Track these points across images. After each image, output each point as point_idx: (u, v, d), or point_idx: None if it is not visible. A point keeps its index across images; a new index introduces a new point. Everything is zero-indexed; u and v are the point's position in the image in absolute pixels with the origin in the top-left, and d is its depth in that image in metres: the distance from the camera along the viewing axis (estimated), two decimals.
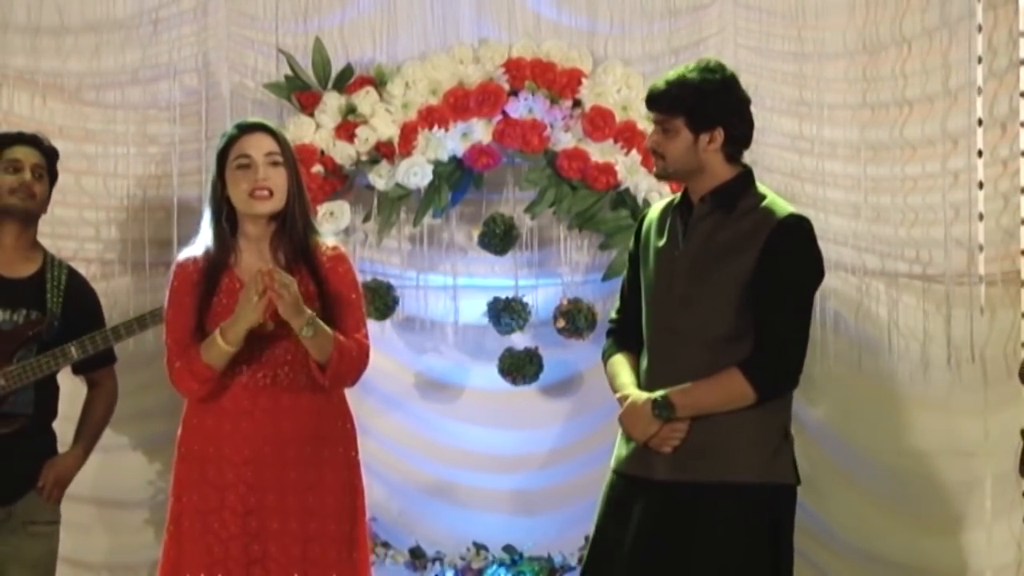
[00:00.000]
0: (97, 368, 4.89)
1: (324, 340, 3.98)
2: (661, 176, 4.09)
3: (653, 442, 3.89)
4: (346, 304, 4.11)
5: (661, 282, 3.96)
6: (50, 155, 4.91)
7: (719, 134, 3.94)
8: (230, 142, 4.06)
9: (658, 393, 3.90)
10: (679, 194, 4.09)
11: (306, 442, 4.02)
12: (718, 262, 3.90)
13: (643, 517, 3.90)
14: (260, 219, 4.05)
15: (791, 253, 3.90)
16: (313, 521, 3.99)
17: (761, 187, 4.05)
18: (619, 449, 4.08)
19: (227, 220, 4.07)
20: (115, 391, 4.95)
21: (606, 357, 4.17)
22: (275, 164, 4.03)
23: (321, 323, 3.98)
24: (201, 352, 3.98)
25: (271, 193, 4.02)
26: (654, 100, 3.99)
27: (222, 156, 4.06)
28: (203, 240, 4.11)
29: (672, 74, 3.99)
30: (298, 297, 3.91)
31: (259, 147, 4.04)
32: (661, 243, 4.01)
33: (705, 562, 3.86)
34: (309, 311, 3.94)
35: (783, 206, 3.98)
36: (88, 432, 4.87)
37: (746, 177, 4.00)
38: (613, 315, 4.22)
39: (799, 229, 3.92)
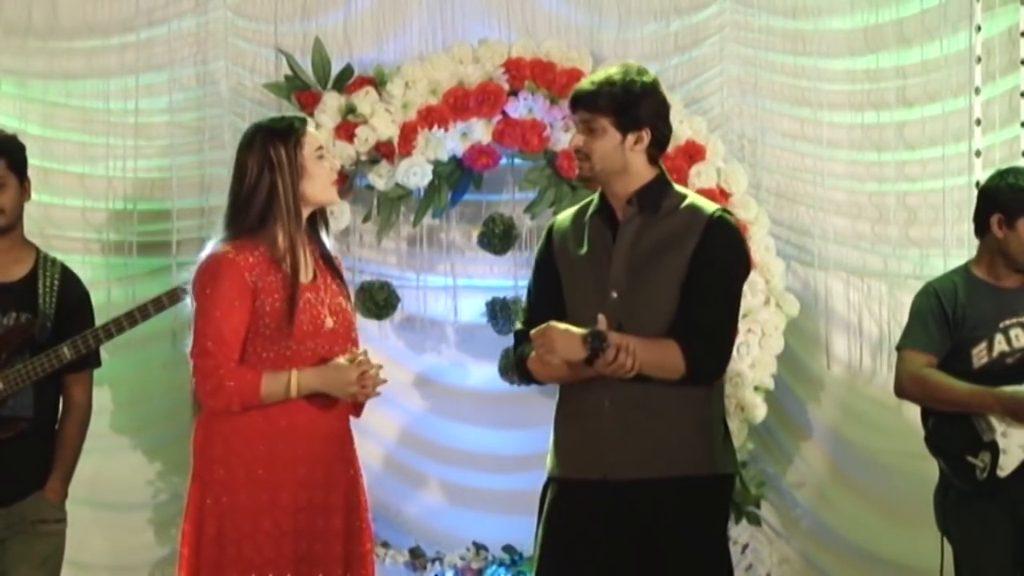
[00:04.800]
0: (75, 371, 4.79)
1: None
2: (584, 178, 4.03)
3: (612, 366, 3.79)
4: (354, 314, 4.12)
5: (593, 287, 3.95)
6: (8, 151, 4.76)
7: (646, 135, 3.97)
8: (302, 133, 3.93)
9: None
10: (591, 201, 4.09)
11: (344, 439, 3.99)
12: (652, 261, 3.93)
13: (605, 519, 3.89)
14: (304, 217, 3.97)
15: (724, 247, 3.95)
16: (352, 517, 3.96)
17: (678, 186, 4.10)
18: (556, 455, 4.06)
19: (266, 218, 3.93)
20: (87, 406, 4.86)
21: (525, 355, 4.04)
22: None
23: None
24: (263, 388, 3.85)
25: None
26: (581, 100, 3.96)
27: (296, 147, 3.91)
28: (240, 237, 3.90)
29: (598, 76, 3.99)
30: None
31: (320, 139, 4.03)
32: (583, 250, 4.01)
33: (677, 555, 3.86)
34: None
35: (708, 203, 4.05)
36: (63, 460, 4.79)
37: (664, 177, 4.06)
38: (519, 325, 4.13)
39: (730, 225, 3.99)
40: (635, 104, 3.94)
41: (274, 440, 3.89)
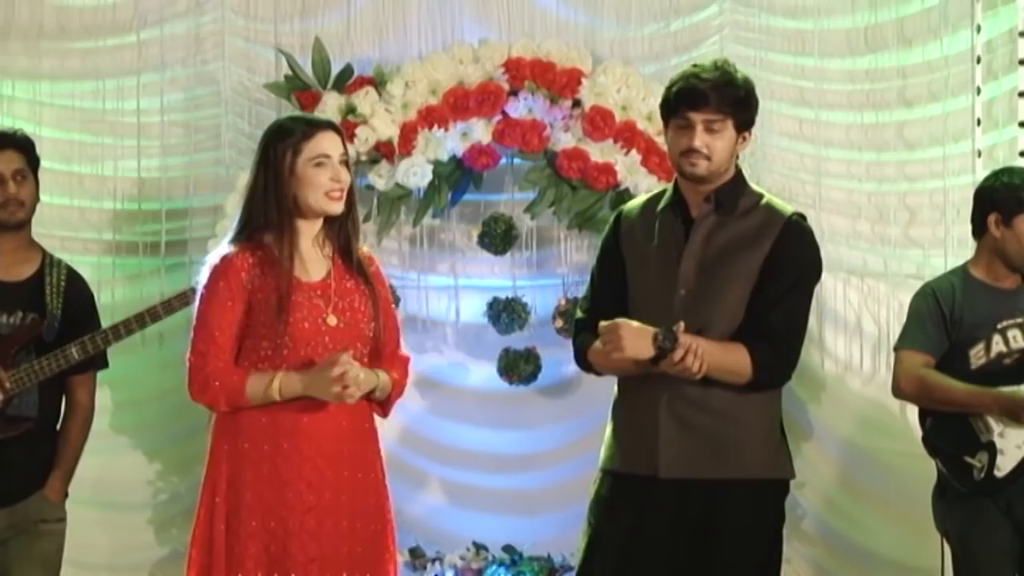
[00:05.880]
0: (80, 372, 4.81)
1: (387, 384, 4.01)
2: (700, 178, 3.92)
3: (678, 367, 3.75)
4: (389, 316, 4.08)
5: (661, 284, 3.92)
6: (27, 148, 4.83)
7: (749, 134, 3.97)
8: (303, 138, 3.92)
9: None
10: (663, 192, 4.07)
11: (357, 439, 3.97)
12: (724, 261, 3.89)
13: (653, 516, 3.87)
14: (317, 219, 3.98)
15: (800, 251, 3.93)
16: (358, 520, 3.94)
17: (755, 185, 4.07)
18: (611, 447, 4.04)
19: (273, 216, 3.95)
20: (91, 407, 4.88)
21: (586, 345, 4.04)
22: (344, 164, 3.96)
23: (380, 373, 3.98)
24: (247, 388, 3.87)
25: (342, 193, 3.95)
26: (709, 99, 3.87)
27: (294, 152, 3.90)
28: (250, 238, 3.93)
29: (709, 72, 3.91)
30: (367, 376, 3.90)
31: (335, 147, 3.94)
32: (653, 244, 3.98)
33: (728, 558, 3.85)
34: (374, 373, 3.95)
35: (784, 205, 4.02)
36: (65, 460, 4.81)
37: (742, 176, 4.03)
38: (580, 314, 4.12)
39: (806, 229, 3.97)
40: (752, 103, 3.94)
41: (278, 439, 3.89)
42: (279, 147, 3.92)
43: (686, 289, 3.90)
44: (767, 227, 3.91)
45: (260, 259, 3.90)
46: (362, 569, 3.93)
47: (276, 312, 3.86)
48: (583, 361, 4.09)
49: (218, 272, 3.91)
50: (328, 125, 4.00)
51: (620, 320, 3.82)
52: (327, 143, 3.93)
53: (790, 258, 3.89)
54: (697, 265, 3.91)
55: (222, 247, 3.95)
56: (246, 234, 3.94)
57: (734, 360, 3.82)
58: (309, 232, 3.98)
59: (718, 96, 3.88)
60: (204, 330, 3.90)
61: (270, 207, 3.92)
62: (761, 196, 4.00)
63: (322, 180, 3.91)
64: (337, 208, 3.94)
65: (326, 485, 3.90)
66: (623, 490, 3.95)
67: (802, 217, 3.99)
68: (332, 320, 3.92)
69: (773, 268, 3.87)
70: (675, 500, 3.86)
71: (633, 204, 4.15)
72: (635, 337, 3.78)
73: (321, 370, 3.84)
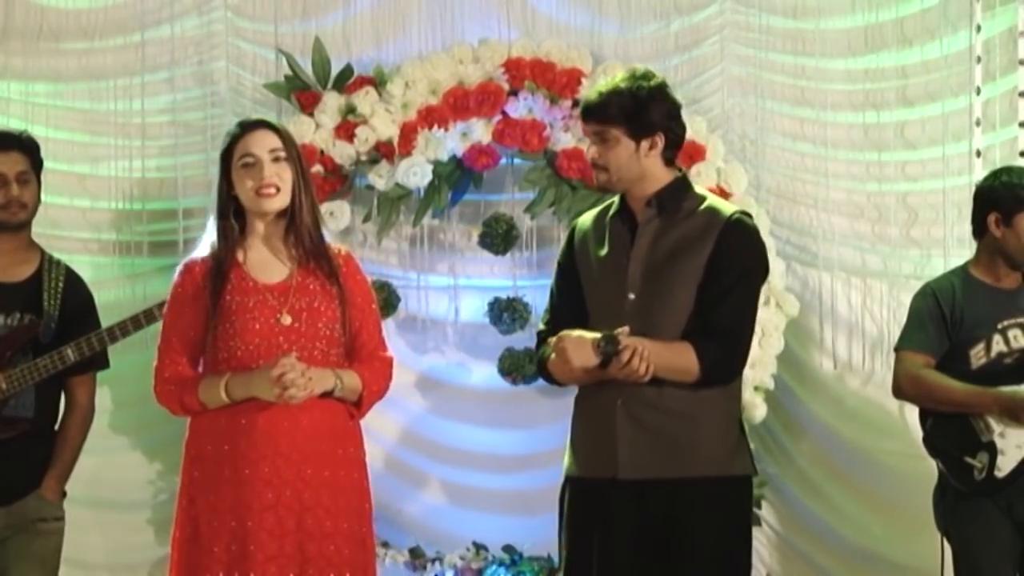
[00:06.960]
0: (80, 372, 4.81)
1: (353, 384, 4.00)
2: (604, 188, 4.04)
3: (625, 371, 3.79)
4: (368, 317, 4.09)
5: (611, 289, 3.95)
6: (31, 149, 4.85)
7: (660, 139, 3.96)
8: (234, 141, 4.00)
9: None
10: (614, 202, 4.10)
11: (321, 438, 3.95)
12: (670, 263, 3.92)
13: (616, 519, 3.88)
14: (268, 216, 4.01)
15: (742, 248, 3.94)
16: (328, 519, 3.93)
17: (698, 188, 4.09)
18: (571, 454, 4.05)
19: (236, 218, 4.02)
20: (90, 407, 4.89)
21: (546, 357, 4.04)
22: (278, 160, 3.98)
23: (345, 373, 3.98)
24: (199, 391, 3.94)
25: (277, 190, 3.97)
26: (591, 111, 3.97)
27: (226, 155, 4.01)
28: (209, 240, 4.05)
29: (605, 85, 3.98)
30: (318, 377, 3.89)
31: (263, 144, 3.98)
32: (604, 251, 4.01)
33: (693, 557, 3.85)
34: (332, 373, 3.94)
35: (727, 205, 4.05)
36: (62, 459, 4.80)
37: (684, 180, 4.06)
38: (542, 326, 4.14)
39: (748, 226, 3.98)
40: (645, 110, 3.94)
41: (236, 438, 3.92)
42: (222, 152, 4.03)
43: (635, 293, 3.92)
44: (710, 227, 3.93)
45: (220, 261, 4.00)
46: (339, 567, 3.92)
47: (211, 308, 3.94)
48: (544, 373, 4.11)
49: (177, 278, 4.04)
50: (259, 124, 4.06)
51: (563, 332, 3.86)
52: (252, 142, 3.99)
53: (733, 255, 3.91)
54: (644, 268, 3.94)
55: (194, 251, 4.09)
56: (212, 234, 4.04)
57: (680, 358, 3.83)
58: (266, 232, 4.03)
59: (600, 108, 3.94)
60: (163, 335, 4.02)
61: (217, 209, 4.02)
62: (704, 198, 4.03)
63: (248, 179, 3.98)
64: (270, 205, 3.99)
65: (286, 483, 3.90)
66: (585, 495, 3.97)
67: (746, 215, 4.01)
68: (287, 320, 3.96)
69: (716, 266, 3.89)
70: (636, 501, 3.87)
71: (586, 216, 4.19)
72: (578, 347, 3.81)
73: (262, 371, 3.88)
